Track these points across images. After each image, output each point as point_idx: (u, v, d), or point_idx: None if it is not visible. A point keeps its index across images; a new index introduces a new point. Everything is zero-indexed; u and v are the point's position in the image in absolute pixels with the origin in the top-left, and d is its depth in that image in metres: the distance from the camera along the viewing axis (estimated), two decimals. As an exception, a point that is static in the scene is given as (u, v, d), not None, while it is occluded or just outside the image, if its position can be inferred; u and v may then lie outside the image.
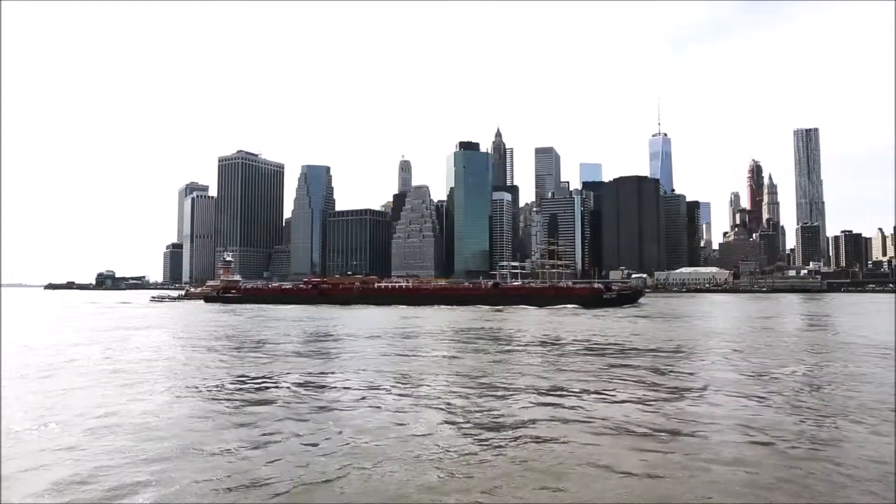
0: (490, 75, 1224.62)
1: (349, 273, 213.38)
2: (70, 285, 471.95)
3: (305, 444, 14.84)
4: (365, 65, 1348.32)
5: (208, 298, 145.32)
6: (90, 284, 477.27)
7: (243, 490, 11.60)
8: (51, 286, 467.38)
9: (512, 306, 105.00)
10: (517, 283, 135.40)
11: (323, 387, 23.56)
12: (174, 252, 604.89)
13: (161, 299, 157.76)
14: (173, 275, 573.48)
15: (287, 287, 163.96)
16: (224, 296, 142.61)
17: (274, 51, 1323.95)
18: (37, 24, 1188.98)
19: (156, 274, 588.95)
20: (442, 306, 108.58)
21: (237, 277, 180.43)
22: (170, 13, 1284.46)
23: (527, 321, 67.04)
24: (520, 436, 15.65)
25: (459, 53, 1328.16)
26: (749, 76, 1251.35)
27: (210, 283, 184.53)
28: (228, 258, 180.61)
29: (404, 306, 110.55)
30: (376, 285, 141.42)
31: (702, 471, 12.64)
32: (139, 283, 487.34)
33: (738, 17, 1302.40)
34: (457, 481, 12.16)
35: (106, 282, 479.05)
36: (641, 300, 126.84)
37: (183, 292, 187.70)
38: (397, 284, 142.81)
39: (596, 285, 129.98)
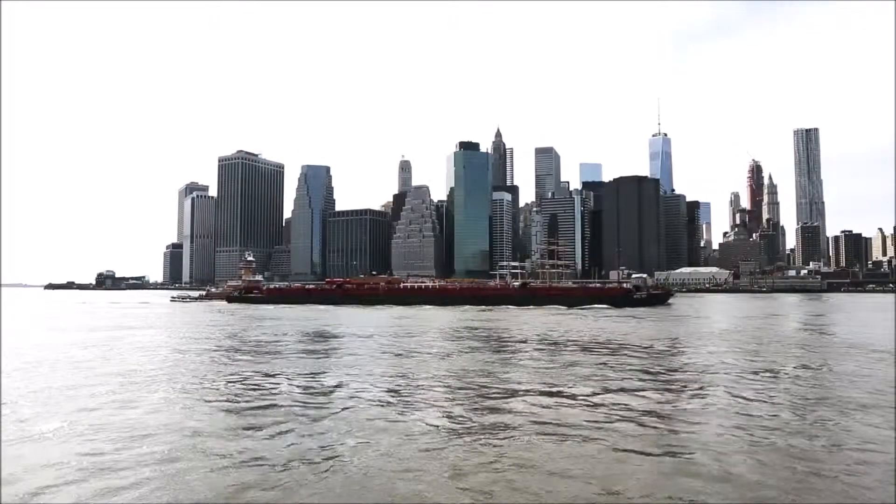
0: (490, 75, 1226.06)
1: (374, 273, 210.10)
2: (70, 285, 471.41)
3: (313, 441, 14.86)
4: (365, 65, 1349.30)
5: (231, 299, 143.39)
6: (90, 284, 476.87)
7: (241, 489, 11.65)
8: (51, 286, 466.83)
9: (541, 306, 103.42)
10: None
11: (344, 386, 23.53)
12: (174, 252, 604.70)
13: (183, 299, 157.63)
14: (173, 275, 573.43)
15: (311, 287, 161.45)
16: (247, 296, 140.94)
17: (274, 51, 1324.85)
18: (37, 24, 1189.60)
19: (156, 274, 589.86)
20: (469, 306, 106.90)
21: (259, 277, 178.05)
22: (170, 13, 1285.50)
23: (562, 322, 64.92)
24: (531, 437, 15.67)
25: (459, 53, 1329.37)
26: (749, 76, 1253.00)
27: (231, 283, 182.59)
28: (250, 258, 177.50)
29: (430, 306, 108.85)
30: (402, 285, 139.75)
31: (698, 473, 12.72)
32: (139, 284, 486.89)
33: (739, 18, 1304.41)
34: (455, 480, 12.19)
35: (106, 282, 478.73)
36: (671, 300, 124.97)
37: (204, 293, 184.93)
38: (423, 284, 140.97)
39: (625, 285, 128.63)
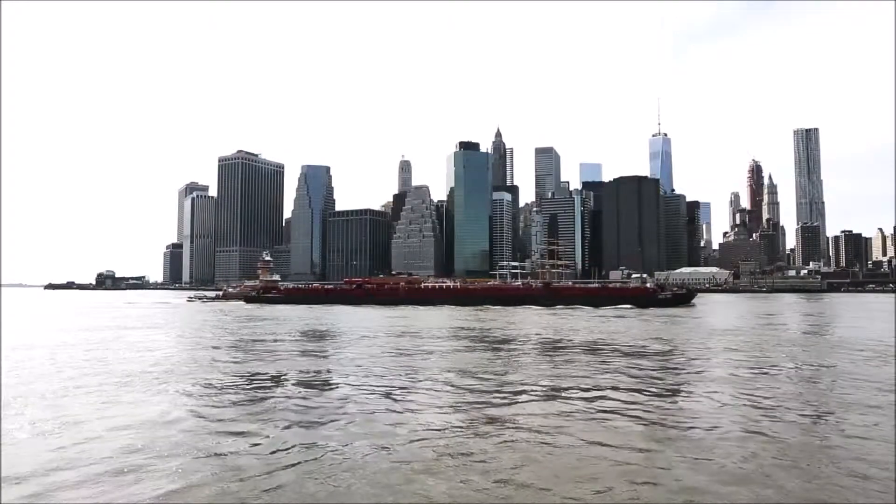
0: (490, 75, 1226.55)
1: (394, 273, 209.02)
2: (70, 285, 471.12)
3: (316, 440, 14.88)
4: (365, 65, 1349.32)
5: (249, 299, 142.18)
6: (90, 284, 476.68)
7: (241, 492, 11.62)
8: (51, 286, 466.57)
9: (564, 307, 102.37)
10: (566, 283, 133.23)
11: (366, 385, 23.60)
12: (174, 252, 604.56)
13: (200, 299, 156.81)
14: (173, 275, 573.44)
15: (330, 287, 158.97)
16: (265, 296, 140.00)
17: (274, 51, 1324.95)
18: (37, 24, 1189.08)
19: (156, 274, 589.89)
20: (492, 307, 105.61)
21: (276, 277, 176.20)
22: (170, 13, 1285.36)
23: (588, 323, 62.44)
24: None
25: (459, 53, 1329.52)
26: (749, 76, 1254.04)
27: (248, 283, 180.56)
28: (268, 258, 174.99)
29: (452, 307, 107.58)
30: (422, 285, 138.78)
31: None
32: (139, 283, 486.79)
33: (739, 18, 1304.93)
34: (457, 481, 12.18)
35: (106, 282, 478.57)
36: (694, 301, 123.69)
37: (221, 293, 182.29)
38: (444, 284, 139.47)
39: (648, 285, 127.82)
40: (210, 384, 24.14)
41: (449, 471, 12.84)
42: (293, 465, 13.21)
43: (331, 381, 24.97)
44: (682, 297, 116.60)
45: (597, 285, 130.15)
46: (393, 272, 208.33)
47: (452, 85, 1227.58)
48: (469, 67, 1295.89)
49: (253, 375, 26.54)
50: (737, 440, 15.27)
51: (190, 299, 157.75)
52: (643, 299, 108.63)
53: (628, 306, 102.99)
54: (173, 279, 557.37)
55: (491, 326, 58.73)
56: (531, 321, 67.09)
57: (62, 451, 14.16)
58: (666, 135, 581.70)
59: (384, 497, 11.34)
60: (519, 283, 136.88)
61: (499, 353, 35.40)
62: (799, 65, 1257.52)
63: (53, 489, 11.67)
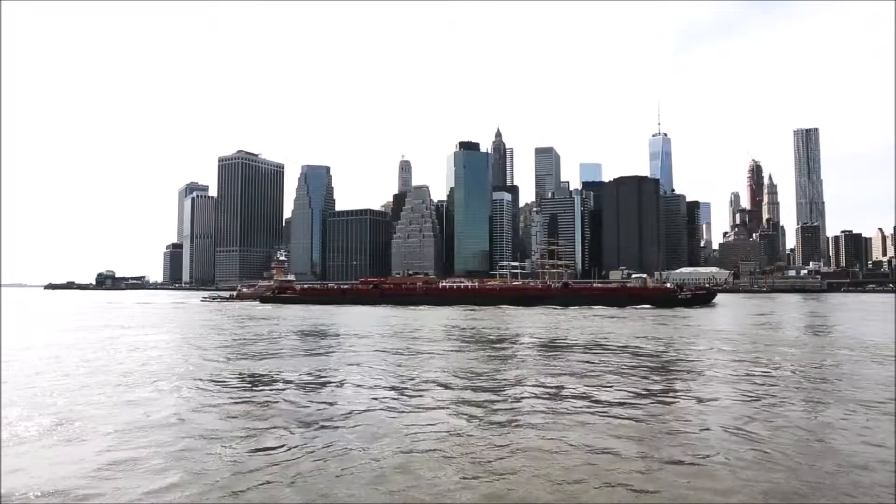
0: (490, 75, 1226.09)
1: (410, 273, 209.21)
2: (70, 285, 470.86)
3: (322, 439, 14.85)
4: (365, 65, 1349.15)
5: (264, 299, 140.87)
6: (90, 284, 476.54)
7: (243, 492, 11.64)
8: (51, 286, 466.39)
9: (582, 307, 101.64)
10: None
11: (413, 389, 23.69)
12: (174, 252, 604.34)
13: (214, 300, 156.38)
14: (173, 275, 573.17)
15: (346, 287, 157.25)
16: (280, 296, 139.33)
17: (274, 51, 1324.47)
18: (37, 24, 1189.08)
19: (156, 274, 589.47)
20: (510, 307, 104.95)
21: (291, 277, 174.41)
22: (170, 13, 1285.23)
23: (610, 325, 61.02)
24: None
25: (459, 53, 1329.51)
26: (749, 76, 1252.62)
27: (261, 283, 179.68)
28: (282, 257, 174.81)
29: (469, 307, 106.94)
30: (440, 285, 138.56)
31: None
32: (139, 284, 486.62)
33: (739, 17, 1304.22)
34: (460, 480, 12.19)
35: (106, 282, 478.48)
36: (715, 300, 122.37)
37: (234, 293, 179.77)
38: (461, 284, 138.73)
39: (668, 285, 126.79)
40: (225, 383, 24.21)
41: (447, 469, 12.88)
42: (290, 465, 13.23)
43: (338, 381, 25.01)
44: (703, 297, 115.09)
45: (616, 285, 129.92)
46: (410, 272, 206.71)
47: (452, 85, 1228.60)
48: (469, 67, 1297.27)
49: (271, 375, 26.66)
50: (743, 439, 15.33)
51: (204, 300, 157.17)
52: (663, 299, 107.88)
53: (648, 306, 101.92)
54: (173, 279, 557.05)
55: (508, 327, 58.38)
56: (550, 322, 65.75)
57: (62, 450, 14.23)
58: (666, 135, 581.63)
59: (383, 497, 11.38)
60: (537, 283, 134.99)
61: (513, 354, 35.45)
62: (799, 65, 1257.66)
63: (52, 488, 11.68)
